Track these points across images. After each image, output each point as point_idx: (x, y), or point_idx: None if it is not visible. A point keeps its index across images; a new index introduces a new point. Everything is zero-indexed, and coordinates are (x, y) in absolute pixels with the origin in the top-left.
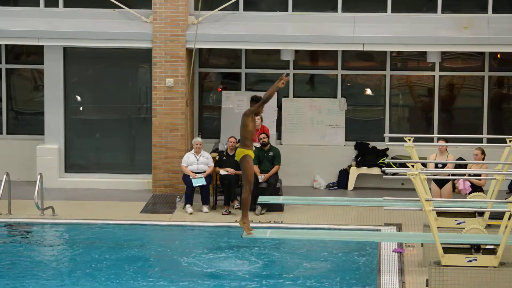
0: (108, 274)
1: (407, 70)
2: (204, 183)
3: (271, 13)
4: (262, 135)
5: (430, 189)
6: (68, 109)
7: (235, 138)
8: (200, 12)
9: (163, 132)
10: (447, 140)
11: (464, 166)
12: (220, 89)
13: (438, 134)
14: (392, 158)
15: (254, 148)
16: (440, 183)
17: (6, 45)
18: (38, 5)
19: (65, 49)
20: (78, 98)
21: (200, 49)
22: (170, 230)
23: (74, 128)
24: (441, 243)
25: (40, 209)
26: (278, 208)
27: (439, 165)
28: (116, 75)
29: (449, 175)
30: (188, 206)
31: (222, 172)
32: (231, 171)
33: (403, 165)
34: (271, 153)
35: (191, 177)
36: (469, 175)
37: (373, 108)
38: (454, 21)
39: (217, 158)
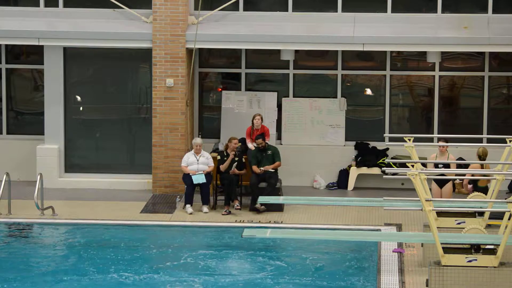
0: (107, 274)
1: (407, 70)
2: (204, 180)
3: (271, 13)
4: (259, 140)
5: (430, 189)
6: (68, 109)
7: (237, 140)
8: (200, 12)
9: (163, 132)
10: (447, 140)
11: (465, 166)
12: (220, 89)
13: (438, 134)
14: (392, 158)
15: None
16: (441, 183)
17: (6, 45)
18: (38, 5)
19: (65, 49)
20: (78, 98)
21: (200, 49)
22: (170, 230)
23: (74, 128)
24: (441, 243)
25: (40, 209)
26: (278, 208)
27: (440, 165)
28: (116, 75)
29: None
30: (188, 206)
31: (228, 164)
32: (232, 170)
33: (403, 165)
34: (269, 152)
35: (191, 174)
36: (471, 175)
37: (373, 108)
38: (454, 21)
39: (218, 157)
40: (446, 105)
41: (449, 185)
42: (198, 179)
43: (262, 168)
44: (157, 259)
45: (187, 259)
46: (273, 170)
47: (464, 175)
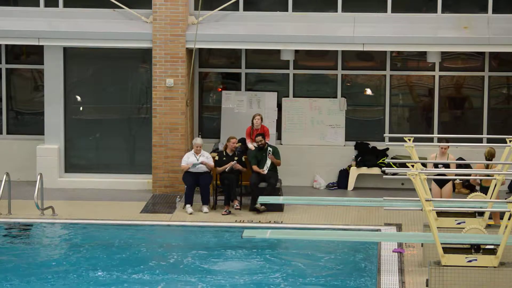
0: (107, 274)
1: (407, 70)
2: (202, 165)
3: (271, 13)
4: (258, 138)
5: (430, 189)
6: (68, 109)
7: (236, 139)
8: (200, 12)
9: (163, 132)
10: (448, 141)
11: (465, 165)
12: (220, 89)
13: (438, 134)
14: (392, 158)
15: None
16: (441, 183)
17: (6, 45)
18: (38, 5)
19: (65, 49)
20: (78, 98)
21: (200, 49)
22: (170, 230)
23: (74, 128)
24: (441, 243)
25: (40, 209)
26: (278, 208)
27: (439, 165)
28: (116, 75)
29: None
30: (188, 206)
31: (227, 167)
32: (234, 165)
33: (403, 165)
34: (269, 152)
35: (190, 168)
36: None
37: (373, 108)
38: (454, 21)
39: (217, 158)
40: (446, 105)
41: (449, 185)
42: (196, 165)
43: (264, 169)
44: (157, 259)
45: (187, 259)
46: (271, 160)
47: (464, 175)
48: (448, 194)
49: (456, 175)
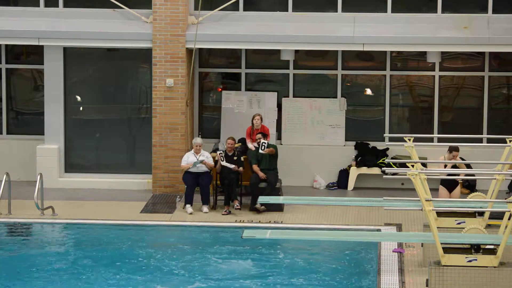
0: (107, 274)
1: (407, 70)
2: (201, 164)
3: (271, 13)
4: (258, 136)
5: (430, 189)
6: (68, 109)
7: (233, 140)
8: (200, 12)
9: (163, 132)
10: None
11: (467, 166)
12: (220, 89)
13: (438, 134)
14: (392, 158)
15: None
16: (450, 187)
17: (6, 45)
18: (38, 5)
19: (65, 49)
20: (78, 98)
21: (200, 49)
22: (170, 230)
23: (74, 128)
24: (441, 243)
25: (40, 209)
26: (278, 208)
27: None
28: (116, 75)
29: (449, 175)
30: (188, 206)
31: (225, 164)
32: (234, 167)
33: (403, 165)
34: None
35: (190, 168)
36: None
37: (373, 108)
38: (454, 21)
39: (216, 158)
40: (446, 105)
41: (458, 189)
42: (196, 163)
43: (265, 151)
44: (157, 259)
45: (187, 259)
46: (267, 153)
47: (467, 175)
48: (457, 198)
49: (454, 175)
